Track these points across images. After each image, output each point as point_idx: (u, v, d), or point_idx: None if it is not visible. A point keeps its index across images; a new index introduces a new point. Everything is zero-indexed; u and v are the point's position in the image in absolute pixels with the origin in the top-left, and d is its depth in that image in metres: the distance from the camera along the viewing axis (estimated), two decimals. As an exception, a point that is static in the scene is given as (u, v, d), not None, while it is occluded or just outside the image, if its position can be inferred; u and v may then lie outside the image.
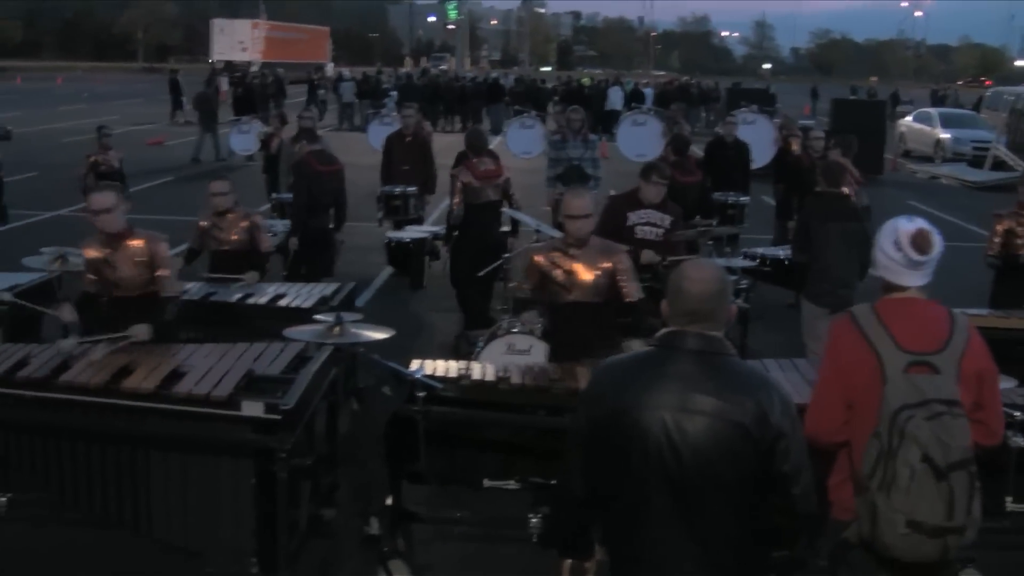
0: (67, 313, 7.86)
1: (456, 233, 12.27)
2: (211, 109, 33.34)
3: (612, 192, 13.42)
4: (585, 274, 7.90)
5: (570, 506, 4.23)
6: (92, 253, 8.02)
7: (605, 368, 4.22)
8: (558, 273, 7.93)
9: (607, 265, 7.92)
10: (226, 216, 10.13)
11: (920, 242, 4.60)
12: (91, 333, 7.61)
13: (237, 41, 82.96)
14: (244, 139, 29.76)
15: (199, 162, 30.32)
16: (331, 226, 12.56)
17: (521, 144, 29.67)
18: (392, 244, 15.10)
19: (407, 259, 15.13)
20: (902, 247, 4.62)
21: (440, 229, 12.35)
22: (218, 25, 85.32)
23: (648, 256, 9.56)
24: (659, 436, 3.87)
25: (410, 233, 14.92)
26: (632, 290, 7.97)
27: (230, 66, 61.51)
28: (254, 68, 62.90)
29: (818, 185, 10.92)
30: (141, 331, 7.56)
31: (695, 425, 3.86)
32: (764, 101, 36.26)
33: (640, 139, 26.35)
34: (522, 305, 8.44)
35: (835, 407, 4.65)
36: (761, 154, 19.91)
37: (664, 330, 4.12)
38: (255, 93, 41.33)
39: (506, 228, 12.32)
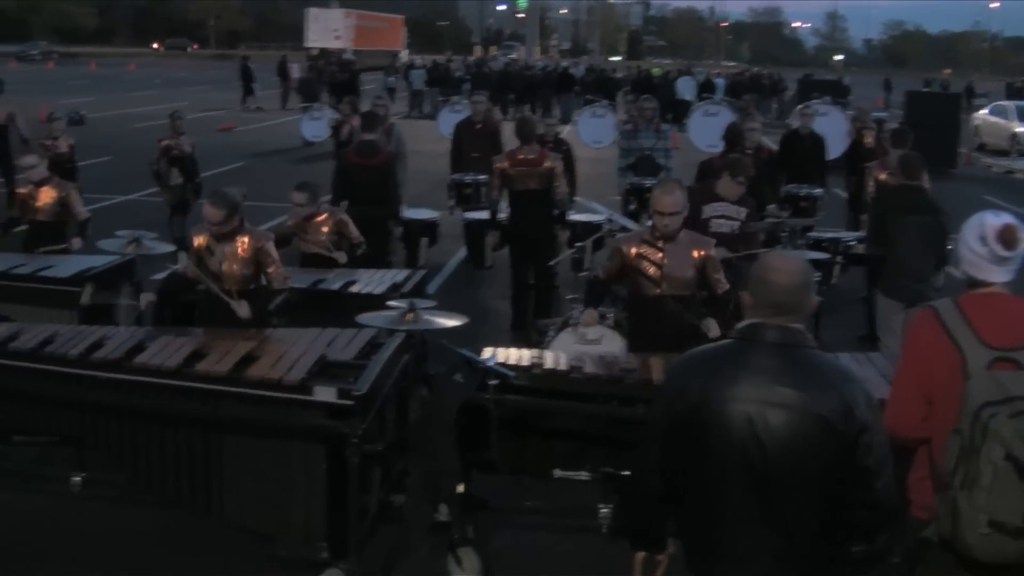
0: (145, 300, 7.97)
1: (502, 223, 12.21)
2: (315, 93, 33.62)
3: (683, 183, 13.34)
4: (676, 267, 7.86)
5: (645, 500, 4.18)
6: (200, 241, 8.14)
7: (684, 361, 4.17)
8: (647, 266, 7.91)
9: (697, 256, 7.88)
10: (312, 220, 10.12)
11: (1007, 237, 4.49)
12: (180, 322, 7.75)
13: (331, 29, 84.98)
14: (315, 126, 29.94)
15: (311, 144, 30.31)
16: (384, 216, 12.32)
17: (592, 133, 29.63)
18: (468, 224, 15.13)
19: (472, 239, 15.12)
20: (988, 242, 4.51)
21: (503, 216, 12.25)
22: (312, 14, 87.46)
23: (720, 252, 9.46)
24: (742, 429, 3.83)
25: (482, 214, 14.88)
26: (723, 281, 7.95)
27: (324, 53, 62.61)
28: (346, 55, 63.91)
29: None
30: (243, 307, 7.86)
31: (779, 418, 3.81)
32: (837, 92, 35.91)
33: (712, 130, 26.11)
34: (594, 286, 8.36)
35: (914, 402, 4.55)
36: (834, 146, 19.69)
37: (745, 322, 4.06)
38: (358, 79, 41.92)
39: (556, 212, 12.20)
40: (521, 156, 11.64)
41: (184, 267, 8.04)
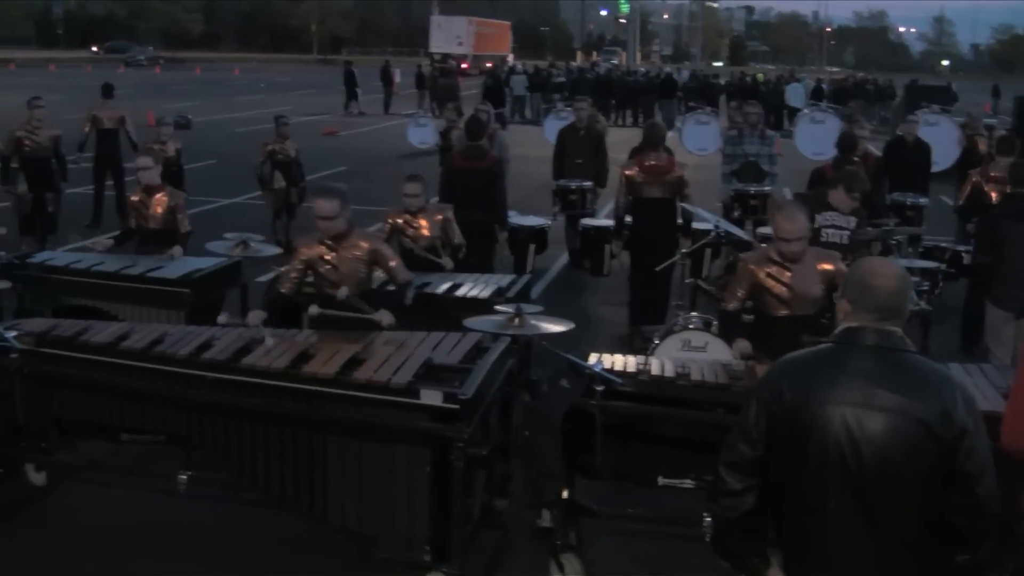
0: (254, 318, 7.95)
1: (627, 230, 12.11)
2: (454, 98, 33.93)
3: (787, 190, 13.19)
4: (805, 285, 7.71)
5: (726, 499, 4.06)
6: (309, 252, 8.11)
7: (782, 364, 4.10)
8: (775, 285, 7.76)
9: (823, 271, 7.72)
10: (418, 216, 10.13)
11: None
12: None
13: (454, 36, 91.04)
14: (422, 132, 30.15)
15: (420, 150, 30.47)
16: (489, 220, 12.20)
17: (697, 140, 29.58)
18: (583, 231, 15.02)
19: (591, 247, 15.00)
20: None
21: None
22: (436, 21, 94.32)
23: None
24: (840, 433, 3.77)
25: (602, 221, 14.75)
26: None
27: (447, 58, 64.92)
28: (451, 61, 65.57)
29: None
30: (386, 316, 7.82)
31: (877, 422, 3.74)
32: (944, 99, 35.32)
33: (818, 137, 25.94)
34: (731, 320, 8.12)
35: None
36: (944, 155, 19.39)
37: (843, 325, 4.00)
38: (503, 85, 42.43)
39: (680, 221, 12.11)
40: (650, 163, 11.59)
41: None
